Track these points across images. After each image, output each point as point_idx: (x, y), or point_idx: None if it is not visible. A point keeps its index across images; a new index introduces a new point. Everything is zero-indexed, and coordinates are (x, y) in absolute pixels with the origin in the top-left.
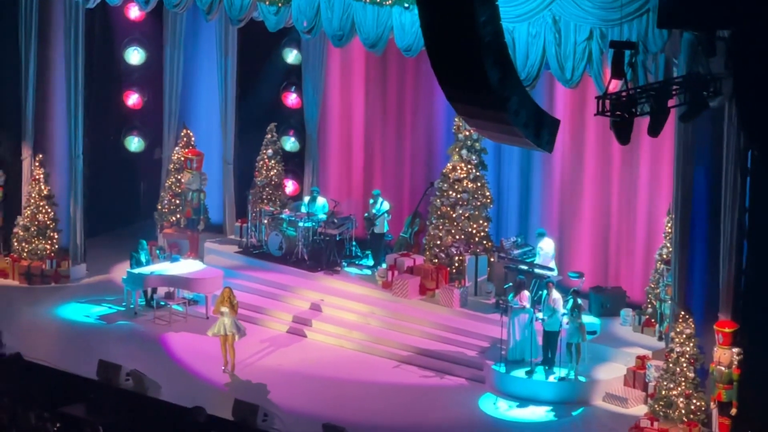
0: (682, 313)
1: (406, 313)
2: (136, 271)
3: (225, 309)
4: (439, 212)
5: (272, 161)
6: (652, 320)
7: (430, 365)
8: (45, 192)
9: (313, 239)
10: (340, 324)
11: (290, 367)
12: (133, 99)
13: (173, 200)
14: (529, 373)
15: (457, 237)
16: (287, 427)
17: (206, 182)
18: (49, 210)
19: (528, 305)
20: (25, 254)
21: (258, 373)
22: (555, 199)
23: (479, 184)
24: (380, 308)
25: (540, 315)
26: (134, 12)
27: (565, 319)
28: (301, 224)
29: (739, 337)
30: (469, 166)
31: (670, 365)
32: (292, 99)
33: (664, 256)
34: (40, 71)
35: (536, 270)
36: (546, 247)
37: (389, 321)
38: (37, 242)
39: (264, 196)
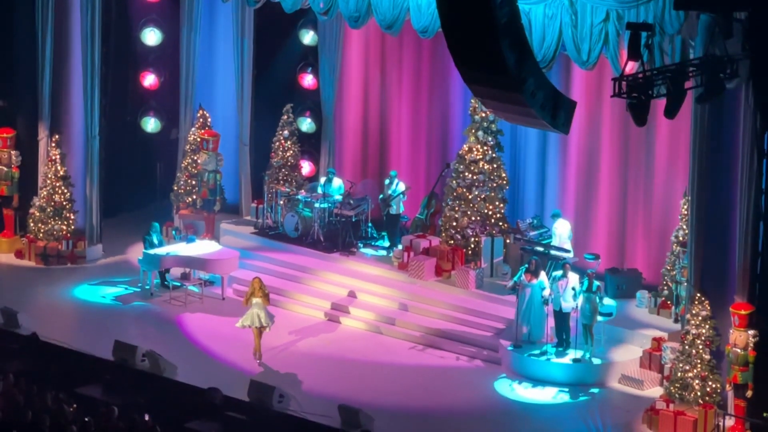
0: (698, 295)
1: (422, 295)
2: (153, 251)
3: (257, 300)
4: (455, 193)
5: (288, 142)
6: (668, 302)
7: (445, 347)
8: (61, 172)
9: (329, 220)
10: (356, 305)
11: (305, 348)
12: (149, 80)
13: (189, 181)
14: (542, 354)
15: (473, 218)
16: (303, 409)
17: (222, 163)
18: (66, 190)
19: (536, 281)
20: (41, 235)
21: (274, 355)
22: (571, 180)
23: (495, 166)
24: (396, 289)
25: (546, 294)
26: None
27: (578, 300)
28: (317, 205)
29: (754, 319)
30: (485, 148)
31: (686, 347)
32: (308, 80)
33: (681, 238)
34: (56, 52)
35: (552, 251)
36: (561, 228)
37: (405, 302)
38: (53, 223)
39: (280, 177)
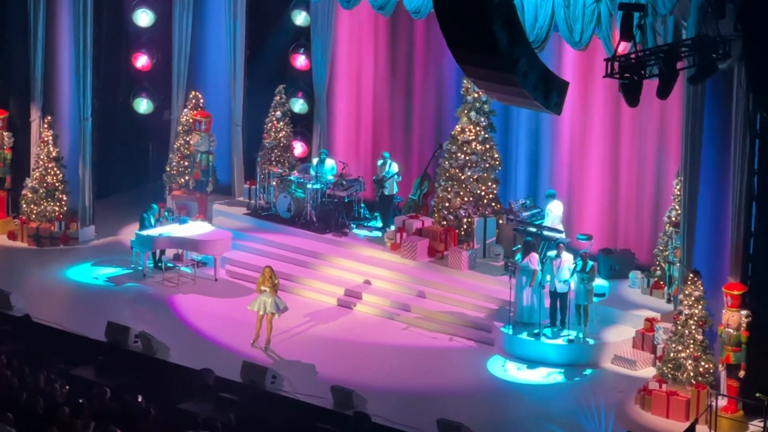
0: (691, 275)
1: (415, 275)
2: (145, 233)
3: (266, 288)
4: (447, 174)
5: (281, 123)
6: (661, 282)
7: (438, 327)
8: (54, 154)
9: (321, 201)
10: (348, 286)
11: (299, 329)
12: (141, 61)
13: (182, 162)
14: (537, 335)
15: (466, 199)
16: (296, 390)
17: (215, 144)
18: (58, 172)
19: (537, 267)
20: (33, 216)
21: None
22: (564, 161)
23: (488, 146)
24: (388, 270)
25: (548, 277)
26: None
27: (572, 281)
28: (309, 186)
29: (747, 300)
30: (477, 128)
31: (679, 327)
32: (300, 61)
33: (673, 219)
34: (48, 33)
35: (545, 232)
36: (554, 209)
37: (397, 283)
38: (45, 204)
39: (273, 158)
